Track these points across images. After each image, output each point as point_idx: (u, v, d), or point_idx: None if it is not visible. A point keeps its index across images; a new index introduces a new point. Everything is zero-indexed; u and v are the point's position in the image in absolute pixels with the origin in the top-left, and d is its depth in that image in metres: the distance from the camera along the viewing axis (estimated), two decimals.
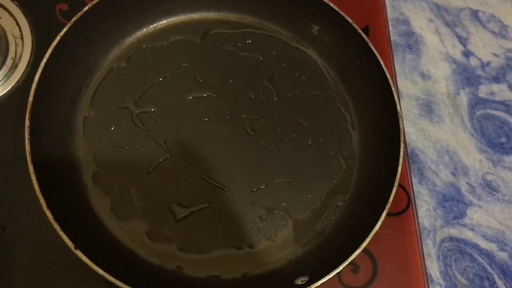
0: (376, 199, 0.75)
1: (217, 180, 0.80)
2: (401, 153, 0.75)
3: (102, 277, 0.66)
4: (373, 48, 0.81)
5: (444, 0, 1.23)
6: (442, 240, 0.99)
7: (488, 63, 1.17)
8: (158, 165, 0.79)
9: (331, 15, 0.84)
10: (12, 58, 0.89)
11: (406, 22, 1.19)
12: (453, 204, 1.03)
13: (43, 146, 0.73)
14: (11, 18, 0.92)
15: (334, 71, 0.89)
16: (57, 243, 0.76)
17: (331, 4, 0.83)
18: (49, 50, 0.74)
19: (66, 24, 0.79)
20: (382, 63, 0.80)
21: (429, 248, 0.98)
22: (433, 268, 0.97)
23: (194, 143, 0.82)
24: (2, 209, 0.80)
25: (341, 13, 0.83)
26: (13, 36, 0.91)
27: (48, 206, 0.67)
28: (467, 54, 1.17)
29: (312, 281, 0.68)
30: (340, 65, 0.88)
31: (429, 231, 1.00)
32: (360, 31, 0.82)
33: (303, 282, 0.70)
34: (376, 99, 0.83)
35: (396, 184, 0.74)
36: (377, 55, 0.80)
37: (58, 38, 0.75)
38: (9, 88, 0.87)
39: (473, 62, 1.17)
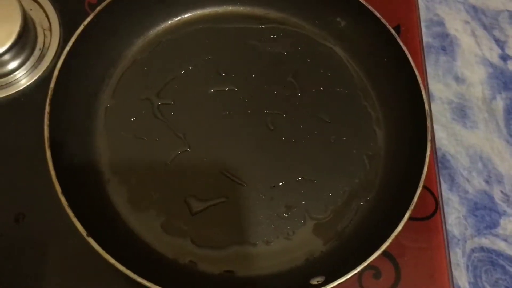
0: (400, 201, 0.72)
1: (235, 174, 0.78)
2: (428, 153, 0.71)
3: (113, 266, 0.65)
4: (401, 44, 0.78)
5: (481, 2, 1.18)
6: (473, 250, 0.95)
7: None
8: (176, 157, 0.78)
9: (359, 10, 0.81)
10: (40, 49, 0.91)
11: (441, 23, 1.15)
12: (485, 213, 0.98)
13: (62, 134, 0.73)
14: (41, 10, 0.93)
15: (361, 68, 0.86)
16: (73, 232, 0.78)
17: None
18: (73, 38, 0.75)
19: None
20: (411, 59, 0.77)
21: (458, 257, 0.93)
22: (462, 278, 0.92)
23: (214, 136, 0.80)
24: (23, 196, 0.81)
25: (370, 8, 0.80)
26: (42, 27, 0.92)
27: (63, 193, 0.67)
28: (504, 57, 1.13)
29: (328, 281, 0.65)
30: (367, 62, 0.86)
31: (459, 240, 0.95)
32: (388, 26, 0.79)
33: (318, 282, 0.68)
34: (404, 98, 0.80)
35: (421, 185, 0.70)
36: (406, 51, 0.77)
37: (82, 26, 0.76)
38: (35, 78, 0.88)
39: (511, 66, 1.12)
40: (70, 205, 0.66)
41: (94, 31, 0.77)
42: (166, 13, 0.86)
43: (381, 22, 0.80)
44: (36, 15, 0.93)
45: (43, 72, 0.89)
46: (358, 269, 0.66)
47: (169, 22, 0.87)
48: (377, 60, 0.84)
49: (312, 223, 0.77)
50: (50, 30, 0.92)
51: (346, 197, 0.78)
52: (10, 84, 0.88)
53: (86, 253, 0.75)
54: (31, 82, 0.88)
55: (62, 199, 0.67)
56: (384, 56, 0.82)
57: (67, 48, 0.74)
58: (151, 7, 0.84)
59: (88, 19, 0.76)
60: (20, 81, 0.88)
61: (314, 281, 0.68)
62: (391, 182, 0.78)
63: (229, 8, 0.89)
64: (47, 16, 0.93)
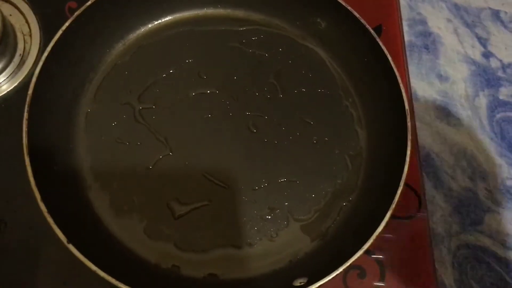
0: (382, 200, 0.72)
1: (218, 177, 0.78)
2: (408, 152, 0.72)
3: (94, 273, 0.64)
4: (381, 44, 0.78)
5: (464, 0, 1.19)
6: (458, 247, 0.95)
7: (509, 65, 1.12)
8: (158, 161, 0.78)
9: (339, 11, 0.81)
10: (20, 55, 0.90)
11: (423, 22, 1.16)
12: (470, 210, 0.98)
13: (42, 140, 0.73)
14: (20, 15, 0.92)
15: (342, 69, 0.86)
16: (55, 239, 0.77)
17: (339, 0, 0.80)
18: (51, 44, 0.74)
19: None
20: (390, 59, 0.77)
21: (444, 255, 0.94)
22: (448, 275, 0.92)
23: (196, 139, 0.80)
24: (3, 204, 0.80)
25: (349, 8, 0.80)
26: (22, 33, 0.92)
27: (43, 199, 0.66)
28: (487, 55, 1.13)
29: (311, 282, 0.65)
30: (348, 63, 0.86)
31: (444, 238, 0.95)
32: (368, 26, 0.79)
33: (301, 284, 0.67)
34: (385, 97, 0.80)
35: (402, 184, 0.70)
36: (385, 51, 0.78)
37: (60, 32, 0.75)
38: (16, 84, 0.88)
39: (494, 63, 1.12)
40: (49, 212, 0.66)
41: (73, 36, 0.77)
42: (146, 17, 0.86)
43: (361, 23, 0.80)
44: (16, 20, 0.92)
45: (24, 77, 0.88)
46: (341, 269, 0.66)
47: (149, 25, 0.87)
48: (358, 60, 0.84)
49: (295, 224, 0.77)
50: (30, 35, 0.92)
51: (329, 198, 0.78)
52: None
53: (69, 259, 0.75)
54: (11, 88, 0.87)
55: (42, 206, 0.66)
56: (365, 56, 0.83)
57: (45, 54, 0.73)
58: (131, 10, 0.84)
59: (67, 24, 0.76)
60: (0, 87, 0.88)
61: (297, 283, 0.68)
62: (374, 182, 0.78)
63: (210, 11, 0.88)
64: (27, 21, 0.92)
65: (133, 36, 0.86)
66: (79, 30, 0.78)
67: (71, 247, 0.65)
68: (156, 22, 0.87)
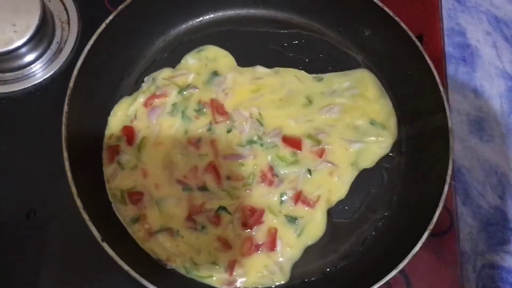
0: (418, 219, 0.71)
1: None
2: (449, 171, 0.70)
3: (127, 273, 0.64)
4: (427, 57, 0.77)
5: (504, 13, 1.16)
6: (483, 266, 0.94)
7: None
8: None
9: (385, 20, 0.80)
10: (58, 42, 0.89)
11: (462, 33, 1.13)
12: (497, 229, 0.97)
13: (79, 133, 0.72)
14: (59, 2, 0.92)
15: (383, 78, 0.85)
16: (86, 232, 0.77)
17: (386, 9, 0.79)
18: (94, 37, 0.74)
19: (113, 11, 0.79)
20: (436, 75, 0.75)
21: (469, 273, 0.92)
22: None
23: None
24: (35, 193, 0.80)
25: (396, 18, 0.79)
26: (60, 20, 0.91)
27: (79, 195, 0.66)
28: None
29: None
30: (389, 73, 0.84)
31: (470, 256, 0.94)
32: (414, 38, 0.78)
33: None
34: (425, 112, 0.79)
35: (441, 205, 0.69)
36: (431, 65, 0.76)
37: (103, 25, 0.74)
38: (52, 72, 0.87)
39: None
40: (85, 208, 0.65)
41: (115, 30, 0.76)
42: (187, 14, 0.85)
43: (406, 33, 0.78)
44: (55, 7, 0.91)
45: (60, 66, 0.87)
46: (375, 287, 0.65)
47: (191, 22, 0.86)
48: (400, 71, 0.83)
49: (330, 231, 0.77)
50: (68, 23, 0.91)
51: (363, 210, 0.78)
52: (26, 77, 0.87)
53: (95, 252, 0.76)
54: (47, 76, 0.87)
55: (78, 202, 0.66)
56: (408, 68, 0.81)
57: (87, 47, 0.73)
58: (173, 6, 0.83)
59: (110, 17, 0.75)
60: (36, 74, 0.87)
61: None
62: (409, 199, 0.77)
63: (252, 11, 0.87)
64: (65, 9, 0.91)
65: (173, 32, 0.85)
66: (121, 24, 0.77)
67: (104, 245, 0.64)
68: (197, 20, 0.86)
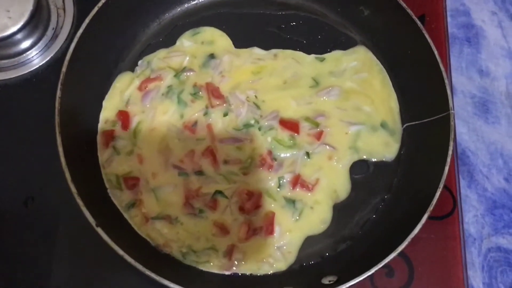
0: (418, 201, 0.70)
1: None
2: (450, 152, 0.69)
3: (122, 258, 0.63)
4: (428, 37, 0.75)
5: None
6: (489, 250, 0.92)
7: None
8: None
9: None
10: (53, 28, 0.88)
11: (467, 13, 1.11)
12: (504, 212, 0.95)
13: (73, 118, 0.72)
14: None
15: (382, 59, 0.83)
16: (84, 218, 0.77)
17: None
18: (86, 21, 0.73)
19: None
20: (437, 54, 0.74)
21: (473, 257, 0.91)
22: (476, 278, 0.90)
23: None
24: (33, 180, 0.80)
25: None
26: (56, 6, 0.90)
27: (73, 180, 0.65)
28: None
29: (340, 281, 0.64)
30: (389, 53, 0.82)
31: (475, 239, 0.93)
32: (415, 17, 0.76)
33: (330, 282, 0.66)
34: (427, 93, 0.77)
35: (441, 185, 0.68)
36: (432, 45, 0.74)
37: (96, 8, 0.74)
38: (48, 58, 0.86)
39: None
40: (79, 194, 0.65)
41: (108, 14, 0.75)
42: None
43: (406, 12, 0.77)
44: None
45: (56, 52, 0.86)
46: (373, 270, 0.64)
47: (186, 5, 0.84)
48: (400, 52, 0.81)
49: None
50: (64, 9, 0.90)
51: (363, 193, 0.77)
52: (22, 64, 0.86)
53: (92, 238, 0.73)
54: (43, 62, 0.86)
55: (72, 187, 0.65)
56: (408, 48, 0.79)
57: (80, 31, 0.72)
58: None
59: (103, 0, 0.74)
60: (32, 61, 0.86)
61: (326, 281, 0.67)
62: (410, 182, 0.75)
63: None
64: None
65: (168, 16, 0.84)
66: (114, 7, 0.76)
67: (99, 231, 0.64)
68: (193, 2, 0.85)
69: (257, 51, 0.82)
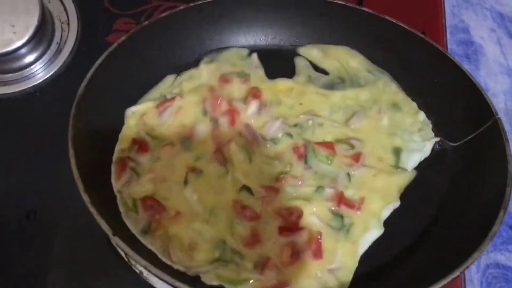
0: (475, 217, 0.69)
1: None
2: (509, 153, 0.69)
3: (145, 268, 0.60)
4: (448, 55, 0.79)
5: (509, 10, 1.15)
6: (487, 266, 0.93)
7: None
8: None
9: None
10: (57, 43, 0.89)
11: (466, 30, 1.12)
12: (502, 229, 0.96)
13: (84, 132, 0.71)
14: (59, 2, 0.92)
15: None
16: (86, 232, 0.76)
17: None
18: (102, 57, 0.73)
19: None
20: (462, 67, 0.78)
21: (472, 273, 0.92)
22: None
23: None
24: (36, 194, 0.80)
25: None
26: (60, 21, 0.91)
27: (86, 190, 0.63)
28: None
29: None
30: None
31: None
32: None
33: None
34: (462, 110, 0.79)
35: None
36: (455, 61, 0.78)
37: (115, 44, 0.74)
38: (52, 72, 0.87)
39: None
40: (92, 203, 0.62)
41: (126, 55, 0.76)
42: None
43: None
44: (54, 7, 0.91)
45: (60, 66, 0.87)
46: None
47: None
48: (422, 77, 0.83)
49: None
50: (68, 24, 0.91)
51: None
52: (26, 78, 0.87)
53: (94, 249, 0.75)
54: (47, 76, 0.87)
55: (84, 197, 0.63)
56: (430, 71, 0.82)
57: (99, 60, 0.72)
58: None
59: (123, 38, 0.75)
60: (36, 75, 0.87)
61: None
62: (464, 201, 0.73)
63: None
64: (65, 9, 0.91)
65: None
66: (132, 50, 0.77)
67: (116, 240, 0.61)
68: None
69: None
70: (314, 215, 0.71)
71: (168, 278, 0.59)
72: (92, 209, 0.62)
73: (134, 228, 0.69)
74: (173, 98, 0.79)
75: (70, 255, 0.77)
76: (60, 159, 0.81)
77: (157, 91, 0.81)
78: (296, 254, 0.67)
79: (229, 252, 0.67)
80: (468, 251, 0.62)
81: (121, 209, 0.71)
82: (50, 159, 0.81)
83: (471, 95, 0.75)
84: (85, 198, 0.63)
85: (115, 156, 0.75)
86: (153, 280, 0.74)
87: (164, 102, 0.79)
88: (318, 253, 0.67)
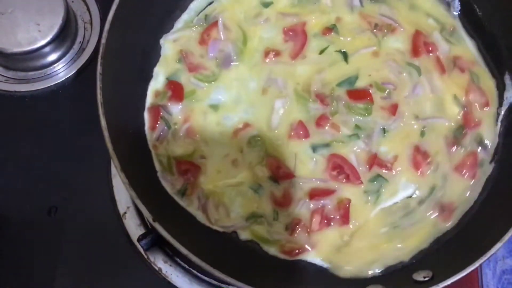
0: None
1: None
2: None
3: (185, 256, 0.58)
4: None
5: None
6: (503, 272, 0.93)
7: None
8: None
9: None
10: (80, 42, 0.91)
11: None
12: None
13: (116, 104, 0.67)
14: (82, 2, 0.93)
15: None
16: (110, 226, 0.78)
17: None
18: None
19: None
20: None
21: (488, 279, 0.91)
22: None
23: None
24: (57, 190, 0.81)
25: None
26: (83, 21, 0.92)
27: (123, 169, 0.59)
28: None
29: (436, 279, 0.59)
30: None
31: (489, 261, 0.93)
32: None
33: (425, 279, 0.60)
34: None
35: None
36: None
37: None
38: (74, 71, 0.88)
39: None
40: (131, 184, 0.59)
41: None
42: None
43: None
44: (78, 7, 0.92)
45: (82, 65, 0.88)
46: (477, 264, 0.60)
47: None
48: None
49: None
50: (91, 23, 0.92)
51: None
52: (49, 76, 0.88)
53: (114, 245, 0.77)
54: (70, 75, 0.88)
55: (122, 176, 0.59)
56: None
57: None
58: None
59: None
60: (59, 73, 0.88)
61: (419, 277, 0.62)
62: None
63: None
64: (88, 9, 0.92)
65: None
66: None
67: (156, 225, 0.58)
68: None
69: None
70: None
71: (207, 266, 0.57)
72: (131, 192, 0.59)
73: (171, 190, 0.69)
74: (214, 24, 0.74)
75: (89, 251, 0.78)
76: (82, 156, 0.83)
77: (188, 14, 0.77)
78: (324, 221, 0.68)
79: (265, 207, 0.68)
80: None
81: (157, 167, 0.70)
82: (72, 155, 0.83)
83: None
84: (123, 179, 0.59)
85: (148, 101, 0.72)
86: (172, 277, 0.75)
87: (207, 30, 0.74)
88: (345, 219, 0.68)
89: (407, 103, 0.73)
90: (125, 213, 0.78)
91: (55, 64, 0.88)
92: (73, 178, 0.82)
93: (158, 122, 0.71)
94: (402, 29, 0.77)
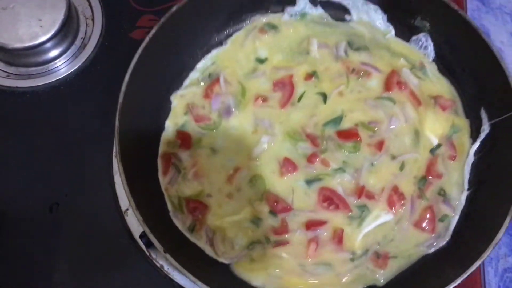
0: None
1: None
2: None
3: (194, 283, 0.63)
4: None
5: None
6: (505, 270, 0.92)
7: None
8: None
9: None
10: (82, 38, 0.90)
11: (486, 34, 1.12)
12: None
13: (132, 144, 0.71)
14: None
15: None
16: (111, 223, 0.78)
17: None
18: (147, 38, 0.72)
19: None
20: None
21: (490, 277, 0.91)
22: None
23: None
24: (58, 187, 0.81)
25: None
26: (85, 16, 0.92)
27: (138, 207, 0.64)
28: None
29: None
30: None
31: (491, 259, 0.93)
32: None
33: None
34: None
35: None
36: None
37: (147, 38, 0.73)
38: (76, 67, 0.88)
39: None
40: (145, 221, 0.64)
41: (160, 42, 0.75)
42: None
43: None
44: (80, 3, 0.92)
45: (84, 61, 0.88)
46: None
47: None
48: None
49: None
50: (93, 19, 0.91)
51: None
52: (50, 72, 0.87)
53: (115, 242, 0.77)
54: (71, 71, 0.88)
55: (137, 214, 0.64)
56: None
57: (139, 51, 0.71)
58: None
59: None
60: (60, 69, 0.88)
61: None
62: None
63: None
64: (90, 5, 0.92)
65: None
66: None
67: (168, 257, 0.63)
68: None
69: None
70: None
71: None
72: (145, 227, 0.63)
73: (182, 227, 0.73)
74: (217, 80, 0.80)
75: (91, 247, 0.78)
76: (83, 152, 0.83)
77: (195, 74, 0.82)
78: (319, 247, 0.73)
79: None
80: None
81: (169, 207, 0.75)
82: (73, 152, 0.83)
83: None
84: (138, 216, 0.64)
85: (161, 150, 0.78)
86: (174, 274, 0.75)
87: (210, 85, 0.80)
88: (340, 245, 0.73)
89: (388, 137, 0.78)
90: (127, 209, 0.78)
91: (57, 60, 0.88)
92: (75, 175, 0.81)
93: (170, 168, 0.76)
94: (378, 73, 0.81)
